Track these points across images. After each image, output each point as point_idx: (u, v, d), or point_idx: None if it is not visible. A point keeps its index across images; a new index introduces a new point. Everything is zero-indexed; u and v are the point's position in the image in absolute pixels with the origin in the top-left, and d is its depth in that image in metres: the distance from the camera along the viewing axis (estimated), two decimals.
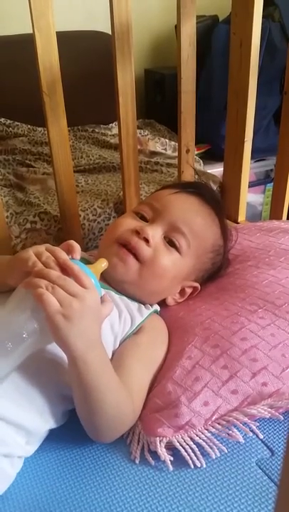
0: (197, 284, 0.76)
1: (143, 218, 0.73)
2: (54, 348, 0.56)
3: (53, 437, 0.59)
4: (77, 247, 0.56)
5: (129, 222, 0.72)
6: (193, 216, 0.73)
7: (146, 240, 0.68)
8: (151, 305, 0.73)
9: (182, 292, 0.76)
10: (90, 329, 0.52)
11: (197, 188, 0.78)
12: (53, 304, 0.48)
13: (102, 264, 0.59)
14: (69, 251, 0.56)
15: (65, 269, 0.52)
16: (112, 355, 0.63)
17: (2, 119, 1.62)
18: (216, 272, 0.79)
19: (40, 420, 0.55)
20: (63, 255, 0.54)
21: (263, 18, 0.97)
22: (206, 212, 0.75)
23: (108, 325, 0.63)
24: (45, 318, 0.49)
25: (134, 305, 0.69)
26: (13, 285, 0.56)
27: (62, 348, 0.51)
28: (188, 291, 0.76)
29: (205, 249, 0.74)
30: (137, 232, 0.69)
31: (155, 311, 0.73)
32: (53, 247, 0.55)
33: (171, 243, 0.70)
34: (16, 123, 1.63)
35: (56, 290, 0.49)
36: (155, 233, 0.70)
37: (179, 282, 0.74)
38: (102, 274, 0.59)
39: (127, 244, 0.68)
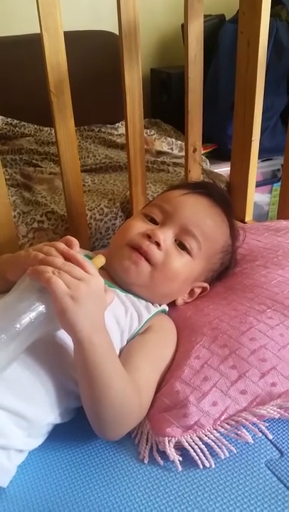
0: (206, 285, 0.76)
1: (153, 221, 0.73)
2: (57, 339, 0.57)
3: (60, 435, 0.59)
4: (75, 240, 0.57)
5: (140, 225, 0.72)
6: (203, 218, 0.72)
7: (158, 244, 0.68)
8: (160, 304, 0.73)
9: (191, 293, 0.76)
10: (96, 312, 0.53)
11: (206, 188, 0.78)
12: (62, 286, 0.50)
13: (101, 259, 0.60)
14: (67, 245, 0.56)
15: (68, 259, 0.54)
16: (120, 353, 0.63)
17: (9, 119, 1.63)
18: (224, 272, 0.79)
19: (42, 412, 0.55)
20: (65, 246, 0.55)
21: (270, 17, 0.97)
22: (216, 213, 0.75)
23: (113, 319, 0.63)
24: (51, 303, 0.50)
25: (141, 303, 0.69)
26: (13, 280, 0.56)
27: (68, 330, 0.52)
28: (198, 291, 0.76)
29: (215, 250, 0.74)
30: (148, 236, 0.69)
31: (163, 311, 0.73)
32: (52, 242, 0.56)
33: (182, 246, 0.70)
34: (23, 123, 1.64)
35: (63, 274, 0.51)
36: (166, 237, 0.69)
37: (189, 284, 0.74)
38: (109, 273, 0.59)
39: (139, 248, 0.68)
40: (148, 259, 0.68)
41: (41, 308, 0.51)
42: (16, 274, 0.55)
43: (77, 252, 0.56)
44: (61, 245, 0.55)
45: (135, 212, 1.05)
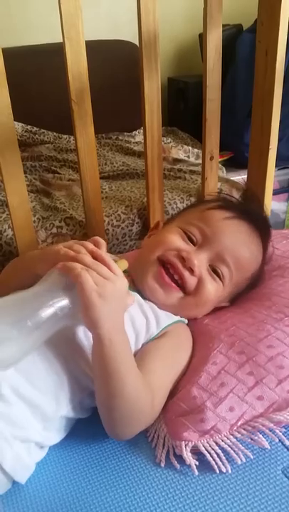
0: (228, 304, 0.77)
1: (190, 240, 0.72)
2: (75, 336, 0.58)
3: (77, 436, 0.60)
4: (103, 242, 0.59)
5: (176, 241, 0.71)
6: (241, 248, 0.71)
7: (191, 270, 0.68)
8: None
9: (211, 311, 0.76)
10: (118, 311, 0.55)
11: (249, 213, 0.76)
12: (90, 282, 0.52)
13: (124, 263, 0.62)
14: (95, 245, 0.58)
15: (96, 258, 0.56)
16: (134, 356, 0.64)
17: (29, 127, 1.66)
18: (248, 291, 0.78)
19: (55, 403, 0.56)
20: (94, 246, 0.57)
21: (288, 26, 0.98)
22: (254, 241, 0.74)
23: (129, 321, 0.64)
24: (76, 298, 0.52)
25: (161, 311, 0.70)
26: (42, 274, 0.58)
27: (90, 325, 0.53)
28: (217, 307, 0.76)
29: (245, 279, 0.74)
30: (183, 259, 0.68)
31: (182, 321, 0.73)
32: (81, 241, 0.59)
33: (214, 271, 0.70)
34: (42, 130, 1.67)
35: (91, 272, 0.53)
36: (201, 263, 0.69)
37: (213, 306, 0.74)
38: (131, 277, 0.60)
39: (170, 267, 0.69)
40: (181, 286, 0.68)
41: (66, 301, 0.53)
42: (45, 269, 0.57)
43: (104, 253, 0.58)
44: (90, 245, 0.57)
45: (152, 219, 1.06)
